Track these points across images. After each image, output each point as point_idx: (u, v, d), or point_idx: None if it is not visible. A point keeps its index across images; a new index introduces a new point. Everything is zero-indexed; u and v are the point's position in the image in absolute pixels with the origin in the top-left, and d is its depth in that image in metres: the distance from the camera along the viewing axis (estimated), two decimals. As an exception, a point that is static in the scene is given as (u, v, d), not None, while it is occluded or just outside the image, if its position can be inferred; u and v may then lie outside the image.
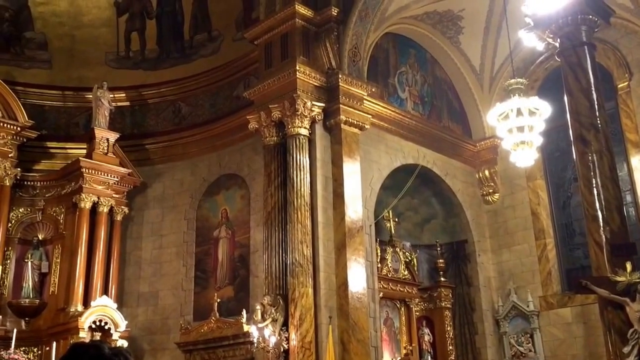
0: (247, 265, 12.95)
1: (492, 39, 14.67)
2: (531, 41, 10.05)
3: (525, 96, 10.43)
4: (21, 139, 13.41)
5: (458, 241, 14.81)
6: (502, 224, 14.96)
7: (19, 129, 13.22)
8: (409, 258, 13.93)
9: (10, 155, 13.07)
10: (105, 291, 12.95)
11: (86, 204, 13.15)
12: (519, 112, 10.16)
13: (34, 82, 14.72)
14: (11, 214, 13.35)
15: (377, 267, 12.66)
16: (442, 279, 14.32)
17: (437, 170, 14.40)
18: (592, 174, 8.76)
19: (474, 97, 15.37)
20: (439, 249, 14.54)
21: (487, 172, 15.16)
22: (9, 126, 13.08)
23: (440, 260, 14.43)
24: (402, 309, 13.71)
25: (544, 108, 10.23)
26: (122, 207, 13.90)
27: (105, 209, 13.43)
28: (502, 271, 14.65)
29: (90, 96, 13.94)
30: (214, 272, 13.46)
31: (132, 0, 15.09)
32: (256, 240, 12.77)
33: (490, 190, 15.10)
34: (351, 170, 12.06)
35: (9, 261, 13.25)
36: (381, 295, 12.68)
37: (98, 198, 13.30)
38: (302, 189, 11.53)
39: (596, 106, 9.00)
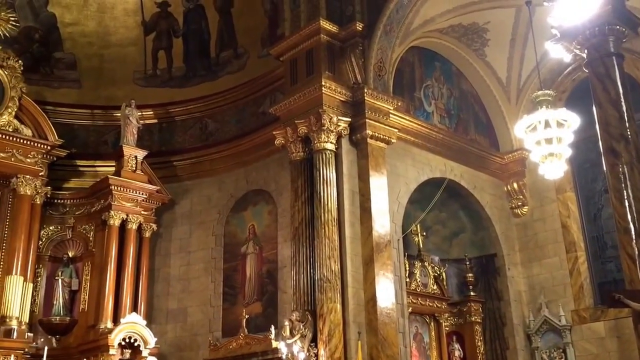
0: (275, 281, 12.94)
1: (518, 50, 14.60)
2: (558, 52, 9.95)
3: (553, 108, 10.34)
4: (51, 157, 13.60)
5: (487, 255, 14.67)
6: (532, 237, 14.79)
7: (49, 147, 13.41)
8: (438, 272, 13.84)
9: (40, 174, 13.24)
10: (134, 308, 13.02)
11: (115, 221, 13.27)
12: (547, 124, 10.07)
13: (64, 101, 14.98)
14: (42, 232, 13.52)
15: (406, 282, 12.59)
16: (472, 293, 14.18)
17: (465, 183, 14.32)
18: (623, 185, 8.61)
19: (501, 109, 15.29)
20: (468, 263, 14.41)
21: (515, 185, 15.04)
22: (39, 145, 13.28)
23: (470, 275, 14.29)
24: (432, 324, 13.60)
25: (573, 119, 10.12)
26: (151, 224, 14.01)
27: (134, 226, 13.53)
28: (533, 285, 14.46)
29: (119, 114, 14.11)
30: (242, 288, 13.47)
31: (159, 20, 15.33)
32: (284, 255, 12.76)
33: (519, 203, 14.96)
34: (378, 184, 12.03)
35: (39, 279, 13.41)
36: (410, 310, 12.58)
37: (127, 215, 13.42)
38: (329, 204, 11.52)
39: (626, 117, 8.86)
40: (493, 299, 14.37)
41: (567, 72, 14.55)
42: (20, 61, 13.50)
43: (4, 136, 12.90)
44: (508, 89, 15.19)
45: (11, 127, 13.10)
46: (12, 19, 13.68)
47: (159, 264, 14.30)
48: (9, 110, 13.13)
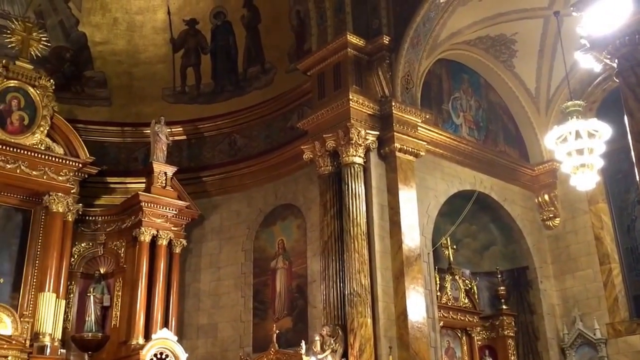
0: (305, 296, 12.90)
1: (547, 61, 14.48)
2: (588, 63, 9.80)
3: (584, 118, 10.24)
4: (83, 175, 13.75)
5: (519, 268, 14.50)
6: (564, 250, 14.57)
7: (80, 165, 13.57)
8: (469, 286, 13.71)
9: (72, 191, 13.38)
10: (165, 324, 13.04)
11: (146, 237, 13.36)
12: (578, 135, 9.97)
13: (95, 119, 15.17)
14: (74, 249, 13.65)
15: (437, 296, 12.48)
16: (504, 306, 14.01)
17: (495, 195, 14.19)
18: (657, 196, 8.44)
19: (531, 120, 15.17)
20: (499, 276, 14.25)
21: (546, 197, 14.86)
22: (71, 163, 13.43)
23: (501, 288, 14.14)
24: (464, 338, 13.45)
25: (604, 130, 10.00)
26: (181, 239, 14.07)
27: (165, 242, 13.60)
28: (566, 298, 14.22)
29: (149, 131, 14.25)
30: (272, 303, 13.45)
31: (187, 37, 15.50)
32: (313, 270, 12.72)
33: (551, 215, 14.78)
34: (407, 197, 11.97)
35: (72, 295, 13.53)
36: (442, 324, 12.47)
37: (157, 231, 13.50)
38: (358, 218, 11.47)
39: (658, 127, 8.69)
40: (526, 312, 14.18)
41: (597, 82, 14.37)
42: (52, 80, 13.69)
43: (36, 154, 13.08)
44: (537, 100, 15.06)
45: (43, 145, 13.29)
46: (44, 39, 13.95)
47: (189, 279, 14.35)
48: (41, 128, 13.33)
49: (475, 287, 13.92)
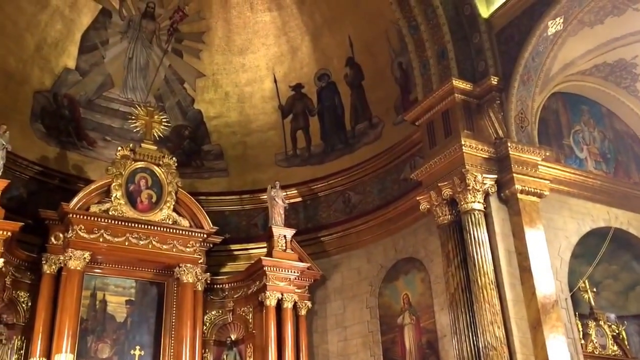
0: (437, 352, 12.40)
1: (674, 81, 13.51)
2: None
3: None
4: (208, 244, 14.20)
5: (673, 308, 13.26)
6: None
7: (205, 235, 14.01)
8: (617, 331, 12.69)
9: (200, 262, 13.79)
10: (298, 388, 12.98)
11: (271, 301, 13.48)
12: None
13: (214, 190, 15.73)
14: (205, 317, 13.99)
15: (581, 344, 11.63)
16: (661, 352, 12.79)
17: (634, 231, 13.18)
18: None
19: (665, 146, 14.12)
20: (650, 318, 13.09)
21: (696, 227, 13.59)
22: (196, 234, 13.88)
23: (655, 331, 12.95)
24: (618, 389, 12.34)
25: None
26: (305, 301, 14.07)
27: (290, 305, 13.65)
28: None
29: (265, 197, 14.59)
30: (403, 361, 13.05)
31: (295, 102, 15.88)
32: (442, 324, 12.25)
33: None
34: (535, 240, 11.32)
35: (207, 363, 13.80)
36: (591, 375, 11.52)
37: (282, 294, 13.59)
38: (485, 266, 10.99)
39: None
40: (688, 357, 12.86)
41: None
42: (174, 158, 14.35)
43: (165, 229, 13.61)
44: (670, 124, 14.04)
45: (170, 220, 13.84)
46: (164, 120, 14.76)
47: (317, 341, 14.24)
48: (168, 204, 13.93)
49: (624, 332, 12.87)
